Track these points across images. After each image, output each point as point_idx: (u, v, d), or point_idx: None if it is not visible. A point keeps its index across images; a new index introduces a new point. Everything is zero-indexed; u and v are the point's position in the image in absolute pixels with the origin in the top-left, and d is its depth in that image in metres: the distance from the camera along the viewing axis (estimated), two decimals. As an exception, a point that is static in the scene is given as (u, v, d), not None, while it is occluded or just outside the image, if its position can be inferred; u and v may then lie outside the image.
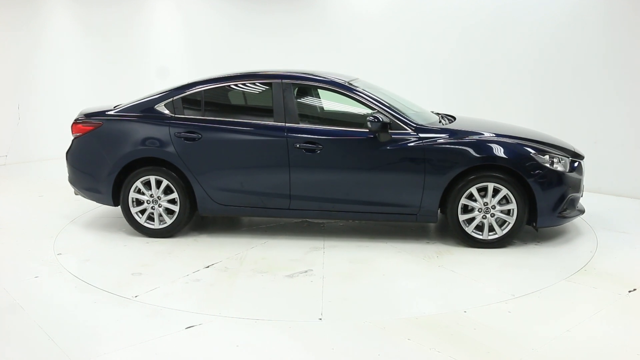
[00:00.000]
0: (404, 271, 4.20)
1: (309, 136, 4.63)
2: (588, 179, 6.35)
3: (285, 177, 4.66)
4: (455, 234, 4.65)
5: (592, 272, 4.10)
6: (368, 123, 4.48)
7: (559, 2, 6.60)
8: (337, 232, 5.13)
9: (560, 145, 4.73)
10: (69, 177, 5.22)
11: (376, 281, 4.01)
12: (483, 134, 4.61)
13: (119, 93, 9.47)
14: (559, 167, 4.48)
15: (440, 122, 4.97)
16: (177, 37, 10.34)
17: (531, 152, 4.46)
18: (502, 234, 4.54)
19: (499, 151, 4.45)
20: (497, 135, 4.60)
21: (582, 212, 4.79)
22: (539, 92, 6.89)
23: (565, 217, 4.60)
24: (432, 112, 5.48)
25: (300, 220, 5.41)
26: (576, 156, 4.70)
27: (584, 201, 4.97)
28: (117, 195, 4.97)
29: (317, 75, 4.90)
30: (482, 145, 4.49)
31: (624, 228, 5.15)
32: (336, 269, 4.22)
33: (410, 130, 4.57)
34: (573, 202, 4.65)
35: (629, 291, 3.76)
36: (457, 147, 4.49)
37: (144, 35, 9.89)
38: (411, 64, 8.07)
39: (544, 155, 4.48)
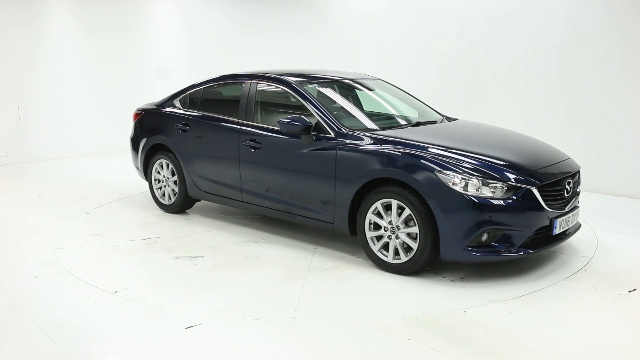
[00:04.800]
0: (259, 275, 4.13)
1: (252, 135, 4.83)
2: (588, 179, 6.40)
3: (237, 172, 4.97)
4: (364, 251, 4.28)
5: (592, 272, 4.09)
6: (278, 124, 4.50)
7: (560, 2, 6.60)
8: (302, 231, 5.08)
9: (517, 162, 3.96)
10: (131, 156, 6.16)
11: (223, 275, 4.13)
12: (402, 143, 4.07)
13: (119, 93, 9.50)
14: (482, 192, 3.73)
15: (412, 125, 4.68)
16: (177, 37, 10.34)
17: (436, 169, 3.80)
18: (405, 260, 3.98)
19: (399, 165, 3.93)
20: (415, 146, 4.02)
21: (528, 252, 3.83)
22: (539, 92, 6.88)
23: (479, 254, 3.75)
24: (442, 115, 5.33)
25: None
26: (528, 182, 3.83)
27: (585, 207, 4.64)
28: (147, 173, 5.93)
29: (274, 75, 5.00)
30: (384, 157, 4.03)
31: (624, 228, 5.15)
32: (221, 260, 4.42)
33: (332, 135, 4.33)
34: (509, 239, 3.78)
35: (629, 291, 3.76)
36: (361, 156, 4.13)
37: (145, 36, 9.89)
38: (413, 64, 8.07)
39: (454, 175, 3.78)
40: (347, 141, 4.25)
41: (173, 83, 9.80)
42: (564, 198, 4.08)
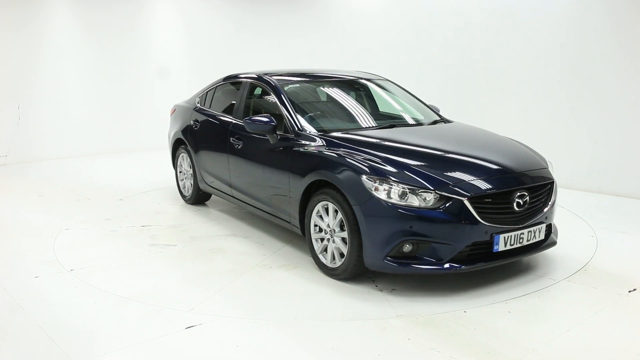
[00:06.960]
0: (205, 267, 4.25)
1: (238, 133, 4.99)
2: (588, 179, 6.42)
3: (227, 167, 5.14)
4: (310, 252, 4.22)
5: (592, 272, 4.09)
6: (243, 122, 4.72)
7: (560, 1, 6.60)
8: (286, 228, 5.06)
9: (463, 171, 3.69)
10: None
11: (173, 265, 4.31)
12: (348, 146, 3.94)
13: (119, 93, 9.49)
14: (408, 200, 3.48)
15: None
16: (177, 37, 10.34)
17: (362, 174, 3.62)
18: (338, 265, 3.84)
19: (332, 167, 3.82)
20: (357, 150, 3.87)
21: (457, 267, 3.51)
22: (540, 92, 6.89)
23: (397, 265, 3.54)
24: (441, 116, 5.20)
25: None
26: (458, 193, 3.50)
27: (585, 207, 4.64)
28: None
29: (259, 74, 5.13)
30: (323, 159, 3.94)
31: (624, 228, 5.15)
32: (187, 250, 4.63)
33: (292, 135, 4.32)
34: (435, 252, 3.51)
35: (629, 291, 3.76)
36: (308, 157, 4.09)
37: (145, 35, 9.89)
38: (414, 64, 8.07)
39: (377, 180, 3.56)
40: (302, 142, 4.22)
41: (173, 83, 9.82)
42: (514, 212, 3.66)
